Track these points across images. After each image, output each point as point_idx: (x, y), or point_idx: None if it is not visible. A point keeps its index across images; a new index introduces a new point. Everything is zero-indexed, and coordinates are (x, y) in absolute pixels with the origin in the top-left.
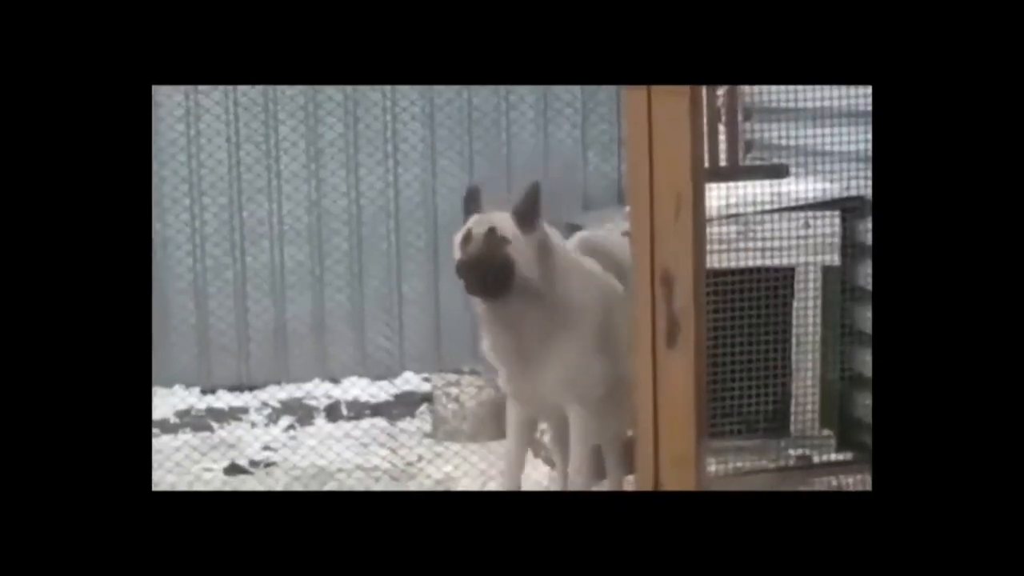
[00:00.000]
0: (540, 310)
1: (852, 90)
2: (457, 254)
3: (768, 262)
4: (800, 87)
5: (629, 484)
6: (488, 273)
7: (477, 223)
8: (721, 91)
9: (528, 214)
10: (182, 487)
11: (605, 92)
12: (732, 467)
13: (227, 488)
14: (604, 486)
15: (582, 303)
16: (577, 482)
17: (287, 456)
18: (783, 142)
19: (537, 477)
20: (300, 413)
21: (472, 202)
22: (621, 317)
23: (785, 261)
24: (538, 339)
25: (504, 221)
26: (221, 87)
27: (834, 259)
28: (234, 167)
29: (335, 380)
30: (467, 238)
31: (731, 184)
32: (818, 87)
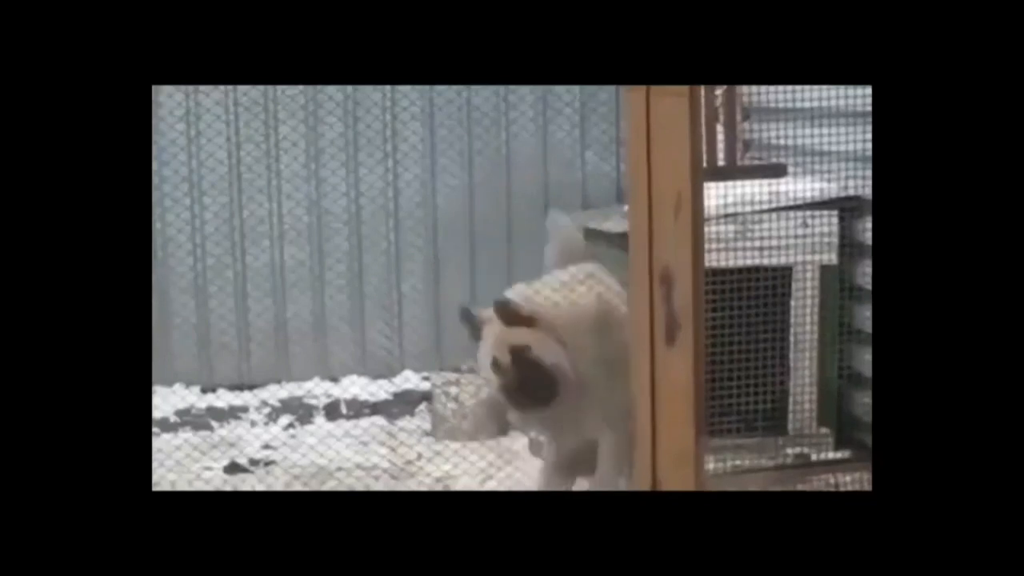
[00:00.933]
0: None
1: (850, 90)
2: (493, 379)
3: (766, 261)
4: (798, 87)
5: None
6: (535, 390)
7: (498, 345)
8: (719, 91)
9: (514, 320)
10: (182, 485)
11: (605, 92)
12: (730, 465)
13: (227, 487)
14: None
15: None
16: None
17: (287, 455)
18: (781, 141)
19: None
20: (300, 412)
21: (470, 324)
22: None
23: (783, 260)
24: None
25: (519, 336)
26: (221, 87)
27: (832, 258)
28: (234, 167)
29: (335, 379)
30: (495, 364)
31: (729, 183)
32: (816, 87)
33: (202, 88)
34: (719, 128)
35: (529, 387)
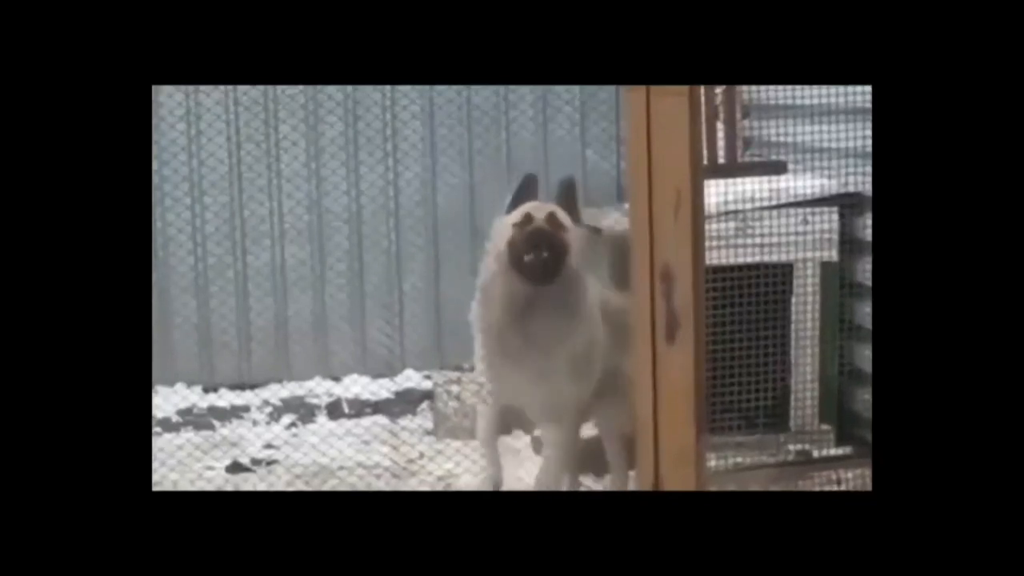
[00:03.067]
0: (565, 307)
1: (849, 87)
2: (508, 233)
3: (767, 258)
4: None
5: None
6: (549, 253)
7: (535, 208)
8: (719, 89)
9: (570, 209)
10: (184, 485)
11: (604, 90)
12: (732, 462)
13: (229, 486)
14: (608, 482)
15: (588, 314)
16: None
17: (289, 454)
18: (781, 139)
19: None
20: (302, 411)
21: (528, 191)
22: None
23: (784, 257)
24: (553, 337)
25: (559, 210)
26: (221, 87)
27: (832, 255)
28: (235, 166)
29: (336, 378)
30: (527, 220)
31: (729, 181)
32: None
33: (202, 88)
34: (719, 125)
35: (541, 250)
